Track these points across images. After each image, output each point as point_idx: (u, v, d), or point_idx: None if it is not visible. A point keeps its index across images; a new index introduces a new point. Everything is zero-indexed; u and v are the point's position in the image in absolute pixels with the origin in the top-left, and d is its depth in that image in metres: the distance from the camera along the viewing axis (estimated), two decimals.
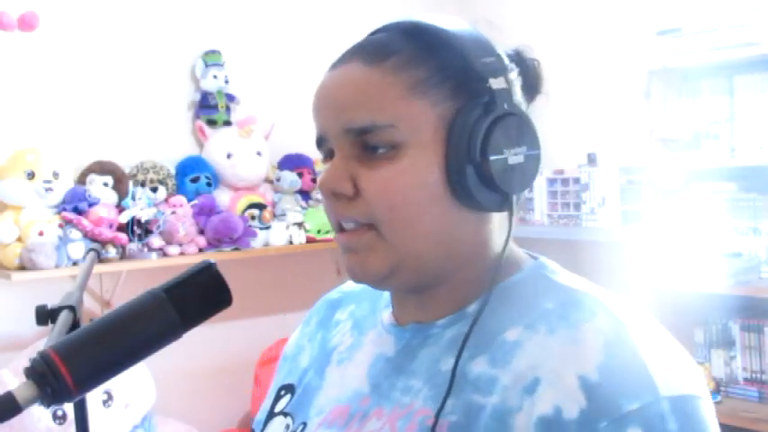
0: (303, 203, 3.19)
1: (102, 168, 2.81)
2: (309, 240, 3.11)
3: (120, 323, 0.71)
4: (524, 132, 0.78)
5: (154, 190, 2.85)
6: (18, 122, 2.76)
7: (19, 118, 2.76)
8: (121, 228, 2.73)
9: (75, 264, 2.62)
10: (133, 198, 2.75)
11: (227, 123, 3.10)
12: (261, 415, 0.95)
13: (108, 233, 2.67)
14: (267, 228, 3.03)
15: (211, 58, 3.08)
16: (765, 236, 2.65)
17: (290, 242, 3.07)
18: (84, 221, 2.64)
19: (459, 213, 0.78)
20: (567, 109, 3.09)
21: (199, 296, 0.73)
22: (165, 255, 2.81)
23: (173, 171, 2.97)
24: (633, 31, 2.99)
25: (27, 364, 0.68)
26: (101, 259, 2.63)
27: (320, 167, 3.18)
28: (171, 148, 3.03)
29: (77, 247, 2.62)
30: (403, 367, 0.82)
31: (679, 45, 2.70)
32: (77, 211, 2.67)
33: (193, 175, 2.98)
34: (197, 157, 3.04)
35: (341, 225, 0.80)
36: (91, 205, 2.70)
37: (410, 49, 0.78)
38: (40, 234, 2.60)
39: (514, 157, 0.77)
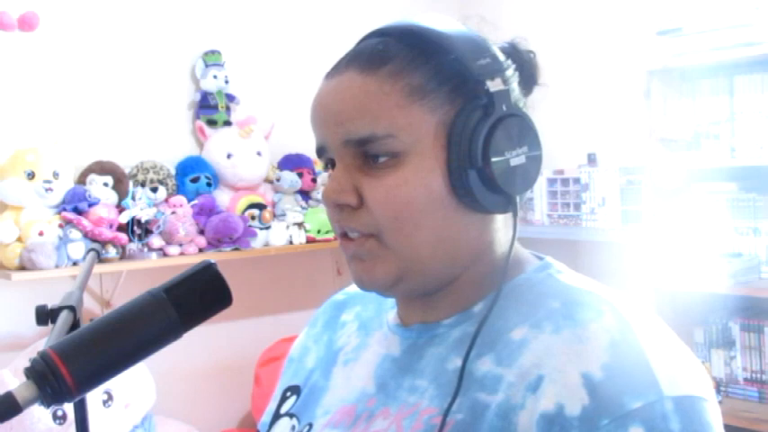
0: (303, 203, 3.18)
1: (102, 168, 2.81)
2: (309, 240, 3.10)
3: (121, 323, 0.71)
4: (525, 133, 0.78)
5: (154, 190, 2.85)
6: (18, 122, 2.76)
7: (19, 118, 2.76)
8: (121, 228, 2.73)
9: (75, 264, 2.63)
10: (133, 198, 2.75)
11: (227, 123, 3.10)
12: (266, 417, 0.95)
13: (108, 233, 2.66)
14: (267, 228, 3.03)
15: (211, 59, 3.08)
16: (765, 236, 2.65)
17: (290, 242, 3.07)
18: (85, 221, 2.64)
19: (463, 217, 0.78)
20: (567, 109, 3.09)
21: (199, 296, 0.73)
22: (165, 255, 2.81)
23: (173, 171, 2.97)
24: (633, 31, 2.99)
25: (27, 364, 0.68)
26: (101, 259, 2.63)
27: (320, 168, 3.18)
28: (171, 148, 3.03)
29: (77, 247, 2.62)
30: (409, 367, 0.82)
31: (679, 45, 2.70)
32: (77, 211, 2.67)
33: (193, 176, 2.98)
34: (197, 158, 3.04)
35: (345, 233, 0.80)
36: (91, 205, 2.70)
37: (405, 55, 0.77)
38: (40, 234, 2.60)
39: (516, 158, 0.77)
